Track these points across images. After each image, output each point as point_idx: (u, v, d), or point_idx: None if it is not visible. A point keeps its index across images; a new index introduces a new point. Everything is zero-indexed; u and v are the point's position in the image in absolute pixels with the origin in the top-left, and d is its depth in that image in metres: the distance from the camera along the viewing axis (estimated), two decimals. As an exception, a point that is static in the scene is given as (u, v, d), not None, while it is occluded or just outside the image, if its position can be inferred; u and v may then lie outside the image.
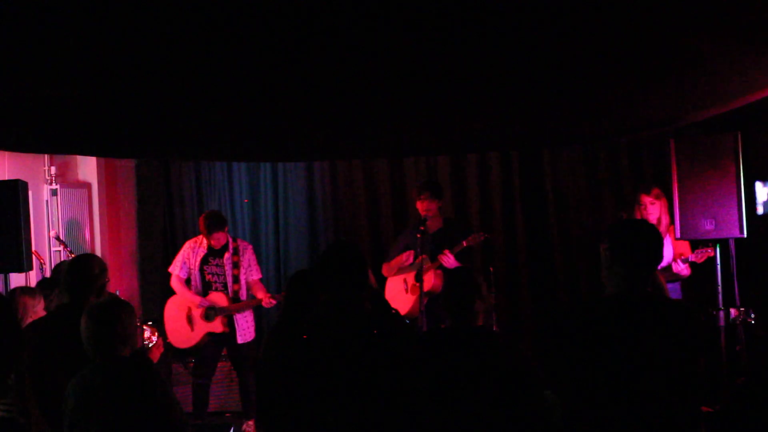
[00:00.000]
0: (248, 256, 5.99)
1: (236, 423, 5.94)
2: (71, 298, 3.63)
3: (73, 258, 4.07)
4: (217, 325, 5.81)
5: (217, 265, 5.89)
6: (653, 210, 5.42)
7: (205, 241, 5.89)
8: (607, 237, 2.68)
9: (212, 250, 5.89)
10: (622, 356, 2.51)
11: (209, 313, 5.82)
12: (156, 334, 4.16)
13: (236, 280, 5.88)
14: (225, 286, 5.86)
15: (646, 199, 5.43)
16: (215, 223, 5.83)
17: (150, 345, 3.81)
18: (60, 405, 3.10)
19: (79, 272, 3.66)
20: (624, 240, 2.63)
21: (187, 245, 5.99)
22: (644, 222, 3.82)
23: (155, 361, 3.68)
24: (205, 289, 5.88)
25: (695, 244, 5.34)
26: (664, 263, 5.41)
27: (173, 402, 3.16)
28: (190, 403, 5.94)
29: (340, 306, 2.92)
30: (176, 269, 5.95)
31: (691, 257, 5.25)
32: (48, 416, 3.36)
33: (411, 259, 5.74)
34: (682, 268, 5.28)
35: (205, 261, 5.87)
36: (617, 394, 2.51)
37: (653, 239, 2.65)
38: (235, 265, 5.89)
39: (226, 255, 5.89)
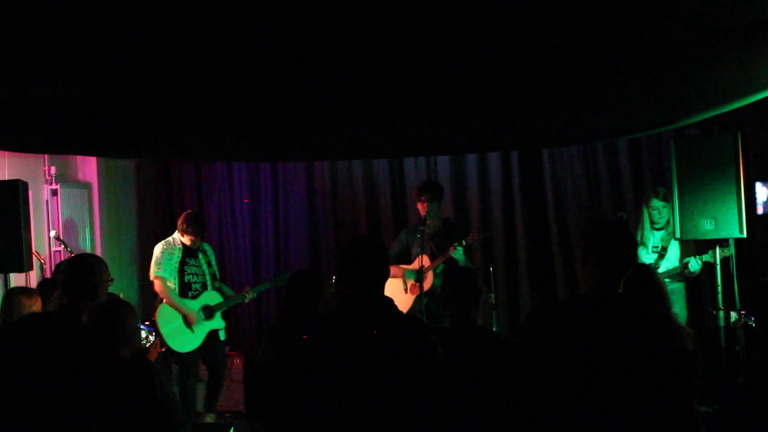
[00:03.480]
0: (214, 256, 6.19)
1: (236, 423, 5.95)
2: (68, 299, 3.62)
3: (70, 258, 4.06)
4: (218, 321, 5.92)
5: (195, 265, 5.94)
6: (665, 213, 5.42)
7: (179, 242, 5.90)
8: (582, 238, 2.70)
9: (187, 251, 5.91)
10: (585, 354, 2.50)
11: (205, 312, 5.84)
12: (153, 334, 4.15)
13: (215, 277, 6.03)
14: (204, 285, 5.93)
15: (658, 204, 5.43)
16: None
17: (147, 345, 3.80)
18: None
19: (74, 272, 3.65)
20: (595, 241, 2.64)
21: (163, 247, 5.92)
22: (617, 223, 3.83)
23: (153, 360, 3.68)
24: (184, 290, 5.88)
25: (700, 244, 5.33)
26: (674, 264, 5.40)
27: (173, 402, 3.16)
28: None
29: (360, 301, 2.88)
30: (159, 271, 5.85)
31: (706, 257, 5.23)
32: (48, 416, 3.35)
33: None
34: (697, 269, 5.26)
35: (183, 262, 5.90)
36: (580, 392, 2.50)
37: (624, 241, 2.65)
38: (210, 264, 6.03)
39: (200, 255, 5.98)
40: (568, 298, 2.82)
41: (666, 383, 2.50)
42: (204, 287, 5.93)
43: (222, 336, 6.01)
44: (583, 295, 2.64)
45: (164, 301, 5.85)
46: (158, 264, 5.85)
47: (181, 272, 5.88)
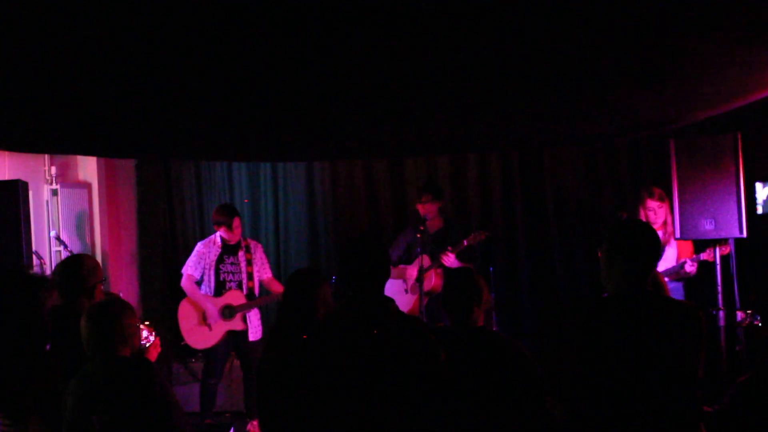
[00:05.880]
0: (259, 255, 6.08)
1: (236, 423, 5.94)
2: (63, 299, 3.62)
3: (63, 259, 4.06)
4: (237, 323, 5.84)
5: (232, 264, 5.90)
6: (661, 213, 5.42)
7: (219, 240, 5.89)
8: (605, 238, 2.69)
9: (227, 248, 5.89)
10: (623, 356, 2.50)
11: (226, 311, 5.82)
12: (153, 333, 4.14)
13: (250, 277, 5.94)
14: (239, 284, 5.89)
15: (653, 203, 5.43)
16: (232, 209, 5.97)
17: (147, 345, 3.80)
18: (58, 405, 3.09)
19: (68, 273, 3.66)
20: (622, 239, 2.64)
21: (201, 245, 5.94)
22: (640, 221, 3.84)
23: (153, 360, 3.67)
24: (219, 288, 5.86)
25: (697, 244, 5.34)
26: (672, 264, 5.41)
27: (173, 402, 3.15)
28: (192, 402, 5.94)
29: (361, 301, 2.87)
30: (190, 269, 5.86)
31: (703, 255, 5.24)
32: (46, 416, 3.35)
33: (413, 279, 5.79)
34: (693, 269, 5.28)
35: (220, 260, 5.88)
36: (619, 394, 2.51)
37: (650, 238, 2.66)
38: (249, 263, 5.95)
39: (240, 253, 5.92)
40: (598, 300, 2.79)
41: (693, 374, 2.52)
42: (239, 286, 5.89)
43: (250, 336, 5.91)
44: (614, 296, 2.62)
45: (187, 296, 5.86)
46: (191, 262, 5.88)
47: (217, 270, 5.86)
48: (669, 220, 5.45)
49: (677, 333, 2.52)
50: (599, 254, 2.71)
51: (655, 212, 5.42)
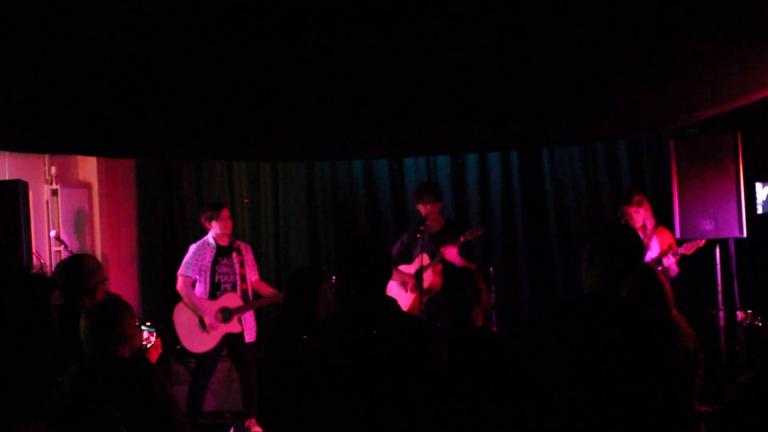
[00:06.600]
0: (250, 257, 6.09)
1: (236, 423, 5.94)
2: (64, 299, 3.63)
3: (64, 259, 4.06)
4: (235, 326, 5.83)
5: (227, 265, 5.90)
6: (638, 218, 5.43)
7: (212, 241, 5.89)
8: (588, 238, 2.67)
9: (221, 250, 5.90)
10: (588, 356, 2.48)
11: (224, 314, 5.82)
12: (154, 334, 4.14)
13: (244, 279, 5.94)
14: (234, 285, 5.88)
15: (630, 209, 5.43)
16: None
17: (148, 346, 3.80)
18: (57, 405, 3.09)
19: (69, 273, 3.66)
20: (602, 242, 2.61)
21: (195, 247, 5.93)
22: (625, 225, 3.80)
23: (153, 361, 3.67)
24: (214, 290, 5.85)
25: (681, 244, 5.34)
26: (652, 256, 5.41)
27: (173, 402, 3.15)
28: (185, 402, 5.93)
29: (363, 301, 2.86)
30: (187, 271, 5.84)
31: (681, 250, 5.26)
32: (45, 417, 3.35)
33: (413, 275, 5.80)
34: (671, 262, 5.28)
35: (216, 262, 5.87)
36: (581, 394, 2.49)
37: (631, 243, 2.61)
38: (242, 265, 5.96)
39: (233, 254, 5.92)
40: (569, 299, 2.77)
41: (666, 385, 2.48)
42: (233, 288, 5.89)
43: (246, 338, 5.91)
44: (585, 296, 2.61)
45: (182, 299, 5.84)
46: (187, 264, 5.86)
47: (212, 272, 5.86)
48: (649, 225, 5.45)
49: (644, 341, 2.46)
50: (584, 253, 2.68)
51: (632, 218, 5.43)
